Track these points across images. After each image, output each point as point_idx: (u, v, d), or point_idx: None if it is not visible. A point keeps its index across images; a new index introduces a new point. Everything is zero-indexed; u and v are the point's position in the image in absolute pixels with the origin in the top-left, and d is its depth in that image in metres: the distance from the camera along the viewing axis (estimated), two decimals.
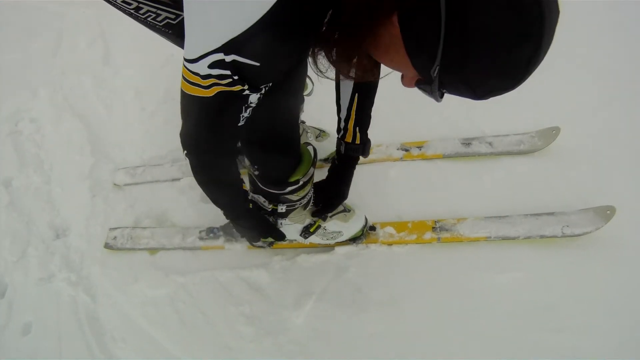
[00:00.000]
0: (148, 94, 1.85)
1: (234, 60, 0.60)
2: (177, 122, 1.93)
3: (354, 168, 1.19)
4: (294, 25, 0.61)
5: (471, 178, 1.45)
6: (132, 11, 0.81)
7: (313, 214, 1.24)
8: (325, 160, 1.52)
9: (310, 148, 1.09)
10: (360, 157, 1.17)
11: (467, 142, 1.50)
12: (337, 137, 1.14)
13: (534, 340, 1.12)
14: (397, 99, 1.48)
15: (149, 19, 0.82)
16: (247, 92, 0.67)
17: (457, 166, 1.49)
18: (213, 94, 0.66)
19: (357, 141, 1.12)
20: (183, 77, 0.68)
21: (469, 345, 1.14)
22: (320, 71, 0.74)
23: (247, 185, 1.04)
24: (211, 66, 0.61)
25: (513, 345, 1.12)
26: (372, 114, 1.11)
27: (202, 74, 0.63)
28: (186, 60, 0.64)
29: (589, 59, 1.68)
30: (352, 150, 1.13)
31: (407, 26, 0.57)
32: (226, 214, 1.06)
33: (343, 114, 1.09)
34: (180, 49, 0.92)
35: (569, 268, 1.21)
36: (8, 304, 1.35)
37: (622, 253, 1.21)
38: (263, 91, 0.70)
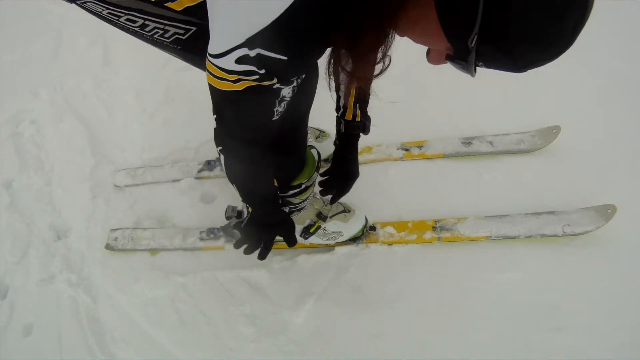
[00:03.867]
0: (148, 95, 1.85)
1: (258, 54, 0.58)
2: (177, 123, 1.94)
3: (356, 147, 1.16)
4: (318, 15, 0.58)
5: (471, 177, 1.44)
6: (136, 29, 0.78)
7: (331, 201, 1.21)
8: (325, 160, 1.52)
9: (314, 151, 1.08)
10: (359, 156, 1.15)
11: (467, 142, 1.50)
12: (337, 116, 1.10)
13: (535, 340, 1.12)
14: (396, 98, 1.48)
15: (156, 36, 0.79)
16: (277, 85, 0.65)
17: (458, 165, 1.49)
18: (243, 88, 0.64)
19: (358, 119, 1.08)
20: (209, 72, 0.66)
21: (469, 345, 1.13)
22: (335, 73, 0.71)
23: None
24: (238, 61, 0.60)
25: (513, 344, 1.12)
26: (371, 113, 1.10)
27: (227, 69, 0.61)
28: (211, 55, 0.62)
29: (589, 58, 1.67)
30: (352, 128, 1.09)
31: None
32: (257, 207, 1.00)
33: (342, 91, 1.04)
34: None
35: (569, 267, 1.21)
36: (9, 305, 1.36)
37: (623, 252, 1.21)
38: (295, 84, 0.68)
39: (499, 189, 1.40)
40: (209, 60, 0.64)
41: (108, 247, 1.42)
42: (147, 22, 0.76)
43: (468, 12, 0.49)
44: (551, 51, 0.51)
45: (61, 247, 1.46)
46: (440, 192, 1.43)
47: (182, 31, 0.76)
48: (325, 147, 1.50)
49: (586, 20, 0.49)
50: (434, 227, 1.31)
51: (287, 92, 0.69)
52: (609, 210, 1.20)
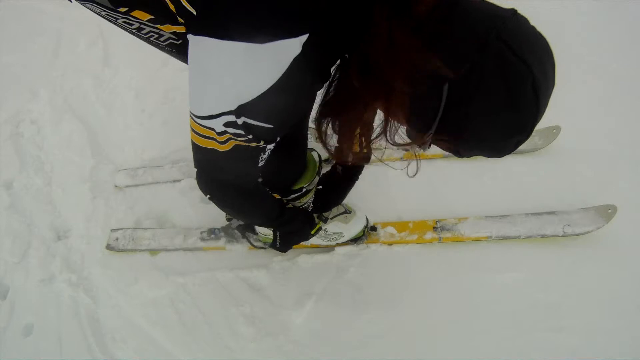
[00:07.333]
0: (148, 95, 1.85)
1: (245, 122, 0.61)
2: (177, 123, 1.93)
3: (355, 178, 1.17)
4: (304, 87, 0.63)
5: (472, 177, 1.44)
6: (133, 30, 0.80)
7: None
8: (325, 161, 1.51)
9: (315, 154, 1.07)
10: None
11: None
12: None
13: (535, 340, 1.12)
14: None
15: (151, 38, 0.81)
16: (263, 145, 0.69)
17: (458, 166, 1.48)
18: (230, 147, 0.67)
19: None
20: (193, 131, 0.68)
21: (470, 345, 1.13)
22: (326, 143, 0.78)
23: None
24: (226, 125, 0.62)
25: (513, 345, 1.12)
26: None
27: (217, 130, 0.64)
28: (196, 116, 0.65)
29: (589, 59, 1.67)
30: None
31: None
32: (274, 226, 1.05)
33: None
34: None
35: (570, 267, 1.21)
36: (9, 305, 1.36)
37: (623, 252, 1.21)
38: (279, 139, 0.71)
39: (499, 189, 1.40)
40: (195, 121, 0.65)
41: (109, 247, 1.42)
42: (142, 26, 0.77)
43: (427, 120, 0.57)
44: (494, 155, 0.61)
45: (61, 248, 1.46)
46: (440, 193, 1.42)
47: (175, 37, 0.78)
48: None
49: (531, 133, 0.56)
50: (434, 228, 1.31)
51: (271, 146, 0.72)
52: (609, 211, 1.20)
